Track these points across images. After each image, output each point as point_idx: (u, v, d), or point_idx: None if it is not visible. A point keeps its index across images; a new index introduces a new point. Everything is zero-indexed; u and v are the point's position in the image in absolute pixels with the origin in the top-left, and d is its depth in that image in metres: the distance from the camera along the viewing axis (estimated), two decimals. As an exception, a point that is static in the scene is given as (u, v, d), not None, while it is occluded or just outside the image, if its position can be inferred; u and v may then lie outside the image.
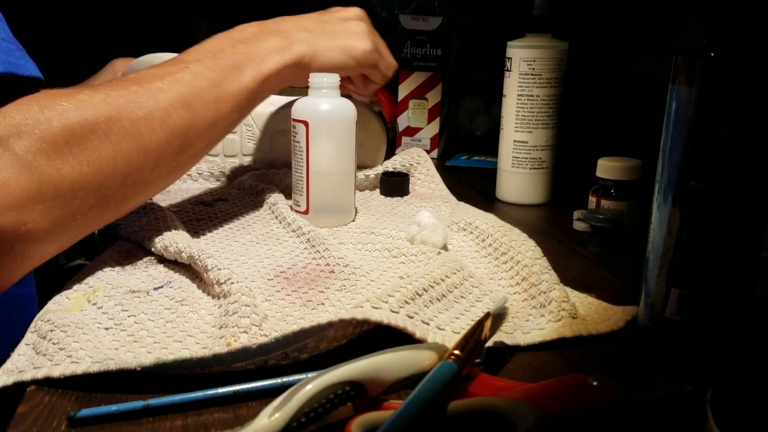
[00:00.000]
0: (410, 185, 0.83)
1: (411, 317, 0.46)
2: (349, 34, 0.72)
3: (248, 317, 0.46)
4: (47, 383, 0.41)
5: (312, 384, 0.34)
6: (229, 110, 0.60)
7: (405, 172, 0.85)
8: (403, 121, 1.06)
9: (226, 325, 0.46)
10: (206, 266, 0.53)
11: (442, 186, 0.84)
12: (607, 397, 0.36)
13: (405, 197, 0.81)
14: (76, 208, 0.49)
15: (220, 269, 0.52)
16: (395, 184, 0.80)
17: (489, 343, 0.44)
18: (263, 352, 0.41)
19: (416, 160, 0.88)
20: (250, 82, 0.62)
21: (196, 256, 0.54)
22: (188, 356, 0.41)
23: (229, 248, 0.63)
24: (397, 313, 0.45)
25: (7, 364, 0.42)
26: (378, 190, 0.83)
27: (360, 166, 0.82)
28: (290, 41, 0.66)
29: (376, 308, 0.45)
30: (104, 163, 0.50)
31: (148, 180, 0.55)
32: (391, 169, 0.85)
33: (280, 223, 0.69)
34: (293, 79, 0.67)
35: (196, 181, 0.84)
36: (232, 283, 0.50)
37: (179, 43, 0.69)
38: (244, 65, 0.62)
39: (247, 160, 0.85)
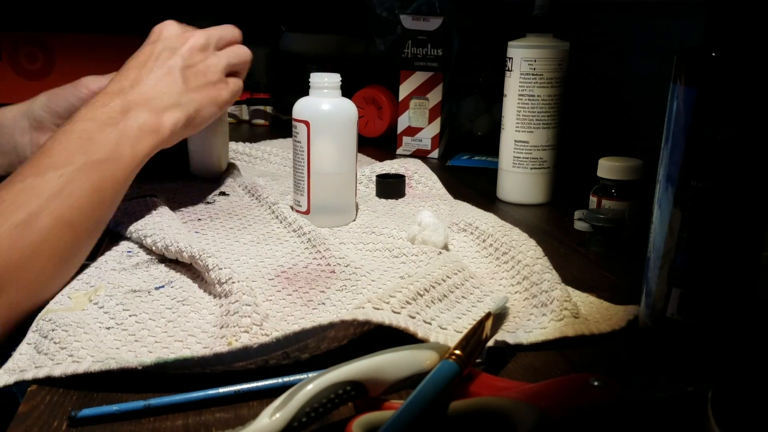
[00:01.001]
0: (408, 186, 0.83)
1: (413, 317, 0.46)
2: (206, 82, 0.66)
3: (249, 317, 0.46)
4: (48, 382, 0.41)
5: (313, 384, 0.34)
6: (110, 208, 0.58)
7: (400, 174, 0.84)
8: (404, 121, 1.06)
9: (227, 325, 0.46)
10: (207, 266, 0.53)
11: (440, 185, 0.84)
12: (608, 396, 0.36)
13: (404, 197, 0.81)
14: None
15: (221, 269, 0.52)
16: (391, 186, 0.80)
17: (490, 343, 0.44)
18: (264, 351, 0.41)
19: (413, 164, 0.88)
20: (127, 171, 0.58)
21: (197, 256, 0.54)
22: (189, 355, 0.41)
23: (230, 248, 0.63)
24: (399, 313, 0.45)
25: (9, 364, 0.42)
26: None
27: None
28: (160, 113, 0.61)
29: (378, 309, 0.45)
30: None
31: (30, 311, 0.50)
32: (386, 171, 0.85)
33: (281, 222, 0.69)
34: (164, 148, 0.63)
35: (197, 180, 0.84)
36: (233, 282, 0.50)
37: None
38: (119, 155, 0.57)
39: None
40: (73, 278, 0.55)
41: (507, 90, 0.80)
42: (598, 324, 0.49)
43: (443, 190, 0.83)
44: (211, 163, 0.82)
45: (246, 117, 1.35)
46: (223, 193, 0.78)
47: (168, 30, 0.67)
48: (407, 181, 0.83)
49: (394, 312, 0.45)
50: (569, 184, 0.84)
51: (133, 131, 0.59)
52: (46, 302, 0.51)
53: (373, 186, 0.83)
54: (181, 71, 0.64)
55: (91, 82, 0.78)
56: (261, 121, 1.33)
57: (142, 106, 0.60)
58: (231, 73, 0.70)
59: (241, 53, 0.72)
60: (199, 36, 0.67)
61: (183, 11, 1.53)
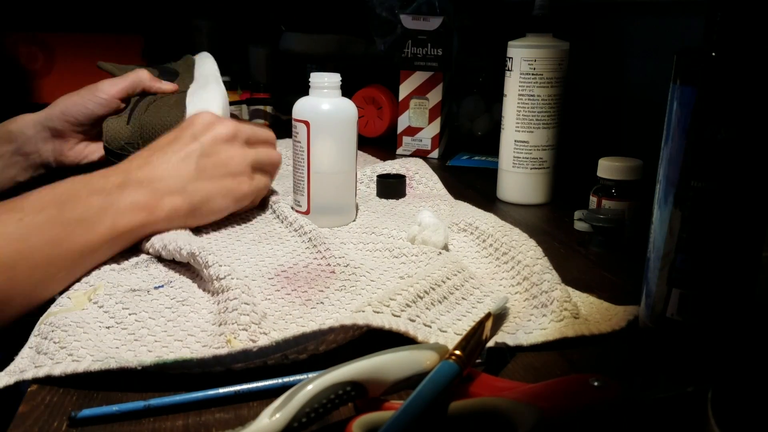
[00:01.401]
0: (408, 186, 0.83)
1: (413, 320, 0.46)
2: (227, 172, 0.63)
3: (248, 315, 0.46)
4: (48, 382, 0.41)
5: (313, 384, 0.34)
6: (64, 272, 0.53)
7: (401, 174, 0.85)
8: (404, 121, 1.06)
9: (225, 322, 0.46)
10: (207, 262, 0.53)
11: (440, 186, 0.84)
12: (608, 397, 0.36)
13: (405, 197, 0.81)
14: None
15: (220, 266, 0.52)
16: (391, 186, 0.80)
17: (490, 344, 0.44)
18: (263, 354, 0.41)
19: (414, 163, 0.88)
20: (100, 239, 0.54)
21: (197, 253, 0.54)
22: (189, 356, 0.41)
23: (231, 247, 0.63)
24: (399, 317, 0.45)
25: (10, 366, 0.42)
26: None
27: None
28: (160, 195, 0.58)
29: (378, 312, 0.45)
30: None
31: None
32: (387, 172, 0.85)
33: (282, 222, 0.69)
34: (165, 230, 0.60)
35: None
36: (232, 279, 0.50)
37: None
38: (96, 221, 0.54)
39: None
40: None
41: (507, 90, 0.80)
42: (598, 324, 0.49)
43: (444, 191, 0.83)
44: None
45: (246, 117, 1.35)
46: None
47: (200, 118, 0.64)
48: (408, 181, 0.83)
49: (394, 315, 0.45)
50: (569, 184, 0.84)
51: (123, 205, 0.56)
52: None
53: (373, 186, 0.83)
54: (197, 158, 0.61)
55: (109, 86, 0.78)
56: (261, 121, 1.33)
57: (143, 186, 0.58)
58: (257, 169, 0.67)
59: (273, 155, 0.69)
60: (227, 125, 0.64)
61: (183, 11, 1.53)
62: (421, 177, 0.86)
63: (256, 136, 0.68)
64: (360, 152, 1.07)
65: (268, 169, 0.69)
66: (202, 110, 0.67)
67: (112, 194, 0.55)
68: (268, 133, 0.70)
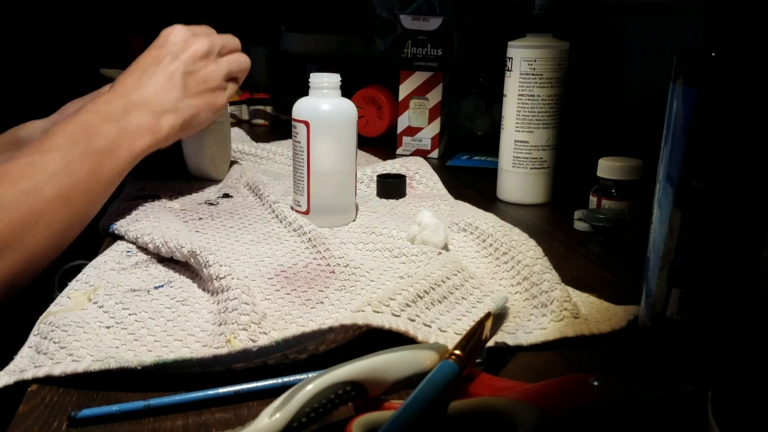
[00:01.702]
0: (409, 186, 0.83)
1: (413, 320, 0.46)
2: (206, 88, 0.70)
3: (248, 315, 0.46)
4: (48, 381, 0.41)
5: (313, 384, 0.34)
6: (103, 195, 0.61)
7: (401, 174, 0.85)
8: (403, 121, 1.06)
9: (225, 322, 0.46)
10: (207, 262, 0.53)
11: (441, 186, 0.84)
12: (608, 396, 0.36)
13: (404, 197, 0.81)
14: None
15: (221, 265, 0.52)
16: (392, 186, 0.80)
17: (490, 343, 0.44)
18: (263, 354, 0.41)
19: (414, 162, 0.88)
20: (123, 164, 0.62)
21: (198, 252, 0.54)
22: (188, 356, 0.41)
23: (230, 247, 0.63)
24: (399, 316, 0.45)
25: (10, 366, 0.42)
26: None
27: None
28: (158, 115, 0.65)
29: (378, 312, 0.45)
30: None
31: (27, 279, 0.55)
32: (387, 171, 0.85)
33: (281, 222, 0.69)
34: (164, 146, 0.67)
35: (201, 181, 0.84)
36: (232, 278, 0.50)
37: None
38: (117, 148, 0.61)
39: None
40: (71, 279, 0.55)
41: (507, 90, 0.80)
42: (598, 324, 0.49)
43: (444, 191, 0.83)
44: (205, 164, 0.83)
45: (246, 117, 1.35)
46: (226, 195, 0.78)
47: (174, 35, 0.69)
48: (408, 181, 0.83)
49: (394, 315, 0.45)
50: (569, 184, 0.84)
51: (132, 129, 0.62)
52: (38, 274, 0.55)
53: (374, 186, 0.83)
54: (182, 77, 0.68)
55: None
56: (261, 121, 1.33)
57: (143, 108, 0.64)
58: (229, 79, 0.74)
59: (242, 61, 0.75)
60: (202, 43, 0.70)
61: (183, 11, 1.53)
62: (422, 177, 0.86)
63: (227, 46, 0.74)
64: (360, 152, 1.07)
65: (238, 76, 0.75)
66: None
67: (121, 120, 0.62)
68: (235, 40, 0.75)
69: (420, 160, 0.89)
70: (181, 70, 0.68)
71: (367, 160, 1.01)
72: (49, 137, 0.58)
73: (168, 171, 0.83)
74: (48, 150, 0.57)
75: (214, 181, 0.84)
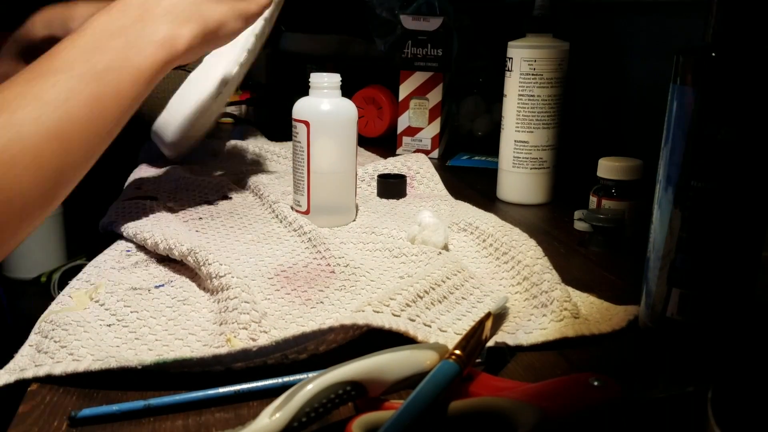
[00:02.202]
0: (409, 186, 0.83)
1: (413, 320, 0.46)
2: None
3: (248, 314, 0.46)
4: (48, 381, 0.41)
5: (313, 384, 0.34)
6: (108, 127, 0.53)
7: (402, 174, 0.85)
8: (404, 121, 1.06)
9: (225, 322, 0.46)
10: (207, 260, 0.53)
11: (441, 186, 0.84)
12: (608, 397, 0.36)
13: (405, 197, 0.81)
14: None
15: (220, 264, 0.52)
16: (392, 186, 0.80)
17: (490, 343, 0.44)
18: (263, 354, 0.41)
19: (416, 161, 0.88)
20: (130, 83, 0.53)
21: (197, 251, 0.55)
22: (188, 356, 0.41)
23: (230, 247, 0.63)
24: (399, 316, 0.45)
25: (10, 364, 0.42)
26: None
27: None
28: (177, 26, 0.56)
29: (378, 312, 0.45)
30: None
31: (12, 234, 0.48)
32: (388, 171, 0.85)
33: (281, 222, 0.69)
34: (181, 63, 0.59)
35: (203, 178, 0.84)
36: (232, 277, 0.50)
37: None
38: (121, 65, 0.53)
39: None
40: (72, 277, 0.55)
41: (507, 90, 0.80)
42: (598, 324, 0.49)
43: (444, 191, 0.83)
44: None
45: (245, 117, 1.35)
46: (225, 197, 0.78)
47: None
48: (409, 181, 0.83)
49: (394, 315, 0.45)
50: (569, 184, 0.84)
51: (144, 41, 0.54)
52: (26, 231, 0.48)
53: (374, 185, 0.83)
54: None
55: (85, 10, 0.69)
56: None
57: (160, 16, 0.56)
58: None
59: None
60: None
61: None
62: (422, 177, 0.86)
63: None
64: (362, 150, 1.08)
65: None
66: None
67: (131, 31, 0.54)
68: None
69: (422, 157, 0.89)
70: None
71: (370, 158, 1.01)
72: (48, 57, 0.51)
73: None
74: (44, 74, 0.49)
75: (213, 181, 0.84)
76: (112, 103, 0.52)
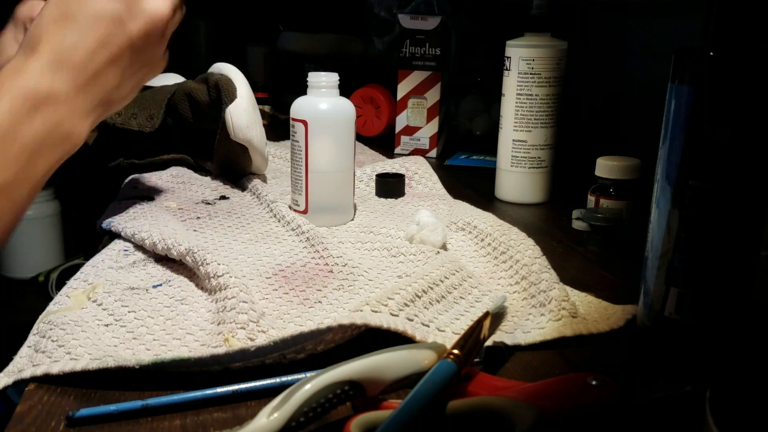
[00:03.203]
0: (408, 185, 0.83)
1: (411, 320, 0.46)
2: (149, 63, 0.56)
3: (246, 313, 0.46)
4: (46, 381, 0.41)
5: (311, 384, 0.34)
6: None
7: (401, 173, 0.84)
8: (402, 121, 1.06)
9: (223, 321, 0.46)
10: (205, 260, 0.53)
11: (440, 186, 0.84)
12: (607, 396, 0.36)
13: (404, 197, 0.81)
14: None
15: (219, 264, 0.52)
16: (390, 185, 0.80)
17: (488, 343, 0.44)
18: (261, 353, 0.41)
19: (414, 162, 0.88)
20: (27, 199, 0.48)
21: (195, 251, 0.54)
22: (186, 356, 0.41)
23: (228, 246, 0.62)
24: (397, 316, 0.45)
25: (9, 366, 0.42)
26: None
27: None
28: (71, 124, 0.49)
29: (376, 312, 0.45)
30: None
31: None
32: (386, 171, 0.85)
33: (279, 221, 0.69)
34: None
35: (201, 177, 0.84)
36: (230, 277, 0.50)
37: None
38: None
39: None
40: (70, 277, 0.54)
41: (505, 89, 0.80)
42: (597, 323, 0.49)
43: (443, 191, 0.83)
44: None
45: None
46: (223, 196, 0.78)
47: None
48: (407, 180, 0.83)
49: (392, 314, 0.45)
50: (567, 184, 0.84)
51: (36, 143, 0.48)
52: None
53: (373, 185, 0.83)
54: (132, 57, 0.53)
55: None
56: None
57: (54, 104, 0.49)
58: None
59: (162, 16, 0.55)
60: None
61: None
62: (421, 177, 0.86)
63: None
64: (366, 148, 1.08)
65: (166, 27, 0.56)
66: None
67: (34, 120, 0.47)
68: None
69: (420, 159, 0.89)
70: (131, 47, 0.52)
71: (373, 157, 1.01)
72: None
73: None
74: None
75: (211, 181, 0.84)
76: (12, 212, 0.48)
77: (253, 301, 0.48)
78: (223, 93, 0.77)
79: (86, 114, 0.51)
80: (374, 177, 0.82)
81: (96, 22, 0.50)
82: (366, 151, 1.07)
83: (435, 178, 0.86)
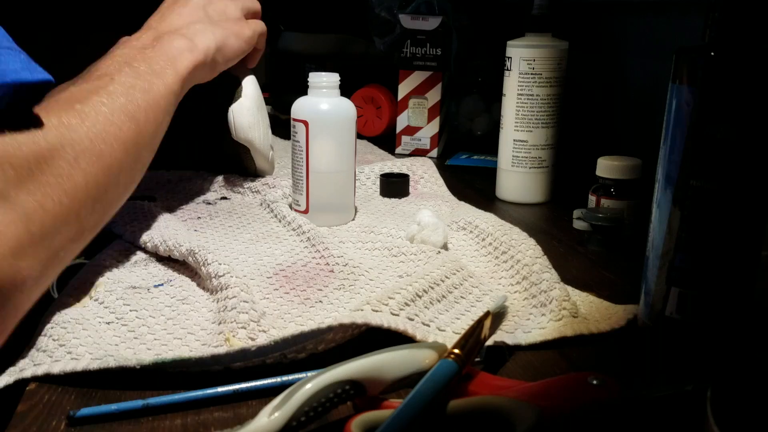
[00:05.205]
0: (411, 186, 0.83)
1: (411, 320, 0.46)
2: (227, 18, 0.71)
3: (246, 313, 0.46)
4: (47, 380, 0.41)
5: (312, 383, 0.34)
6: (162, 116, 0.57)
7: (405, 173, 0.85)
8: (402, 121, 1.06)
9: (224, 321, 0.46)
10: (206, 260, 0.53)
11: (445, 189, 0.84)
12: (607, 395, 0.36)
13: (407, 197, 0.81)
14: (60, 244, 0.44)
15: (219, 264, 0.52)
16: (395, 185, 0.80)
17: (489, 342, 0.44)
18: (262, 353, 0.41)
19: (421, 164, 0.88)
20: (172, 84, 0.59)
21: (197, 251, 0.54)
22: (187, 356, 0.41)
23: (229, 246, 0.63)
24: (398, 315, 0.45)
25: (11, 367, 0.42)
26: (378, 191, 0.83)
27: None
28: (191, 38, 0.63)
29: (377, 311, 0.45)
30: (80, 192, 0.45)
31: (112, 200, 0.51)
32: (392, 171, 0.85)
33: (280, 221, 0.69)
34: (202, 77, 0.65)
35: (202, 178, 0.84)
36: (231, 277, 0.50)
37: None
38: (162, 69, 0.58)
39: None
40: (72, 276, 0.54)
41: (506, 89, 0.80)
42: (597, 323, 0.49)
43: (447, 193, 0.83)
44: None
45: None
46: (224, 196, 0.78)
47: None
48: (413, 183, 0.83)
49: (393, 314, 0.45)
50: (568, 184, 0.84)
51: (171, 51, 0.61)
52: (119, 198, 0.52)
53: (377, 184, 0.82)
54: (203, 8, 0.69)
55: None
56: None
57: (174, 33, 0.63)
58: (250, 16, 0.75)
59: (253, 4, 0.77)
60: None
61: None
62: (426, 181, 0.86)
63: None
64: (374, 146, 1.08)
65: (256, 16, 0.77)
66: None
67: (158, 47, 0.60)
68: None
69: (428, 162, 0.89)
70: (201, 3, 0.69)
71: (382, 157, 1.01)
72: (95, 68, 0.55)
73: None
74: (99, 77, 0.53)
75: (211, 181, 0.84)
76: (160, 95, 0.56)
77: (254, 300, 0.48)
78: (227, 91, 0.77)
79: (191, 36, 0.64)
80: (378, 176, 0.82)
81: None
82: (375, 150, 1.07)
83: (441, 181, 0.86)
